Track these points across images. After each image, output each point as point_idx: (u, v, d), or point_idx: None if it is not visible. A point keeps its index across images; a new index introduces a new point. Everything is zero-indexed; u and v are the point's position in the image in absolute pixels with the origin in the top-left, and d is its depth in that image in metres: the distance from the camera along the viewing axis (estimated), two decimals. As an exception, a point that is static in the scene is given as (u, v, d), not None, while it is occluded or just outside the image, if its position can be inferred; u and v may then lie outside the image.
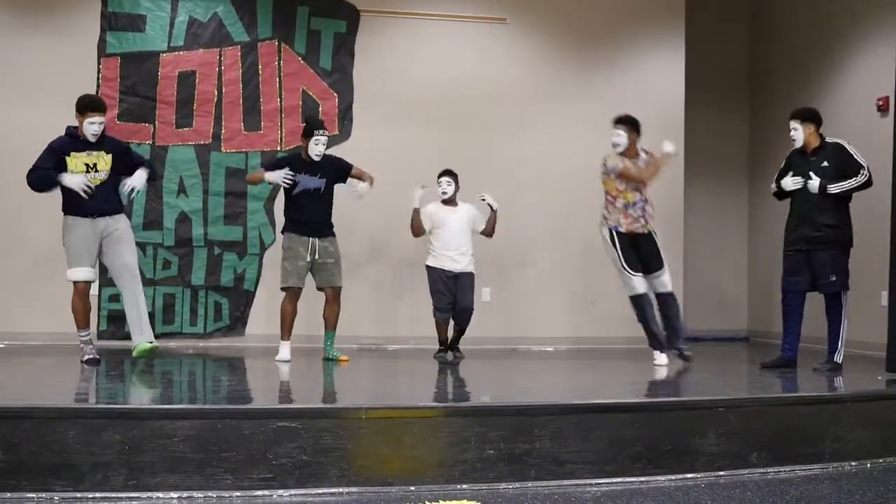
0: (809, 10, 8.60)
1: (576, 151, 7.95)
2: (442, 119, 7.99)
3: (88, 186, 5.55)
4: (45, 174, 5.57)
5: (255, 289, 7.69)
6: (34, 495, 3.45)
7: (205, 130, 7.61)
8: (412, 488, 3.70)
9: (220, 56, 7.68)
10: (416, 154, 7.75)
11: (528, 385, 5.53)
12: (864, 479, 4.08)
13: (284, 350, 6.21)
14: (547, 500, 3.59)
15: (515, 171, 8.05)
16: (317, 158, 6.23)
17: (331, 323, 6.38)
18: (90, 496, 3.47)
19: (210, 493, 3.55)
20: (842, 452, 4.34)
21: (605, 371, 6.39)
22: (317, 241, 6.23)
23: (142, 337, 5.66)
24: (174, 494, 3.53)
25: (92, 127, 5.60)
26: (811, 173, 5.78)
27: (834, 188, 5.72)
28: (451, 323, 6.73)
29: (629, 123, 6.09)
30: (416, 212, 6.60)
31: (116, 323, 7.13)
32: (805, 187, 5.80)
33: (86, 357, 5.75)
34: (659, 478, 3.98)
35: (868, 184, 5.74)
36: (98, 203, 5.62)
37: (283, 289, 6.26)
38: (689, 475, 4.03)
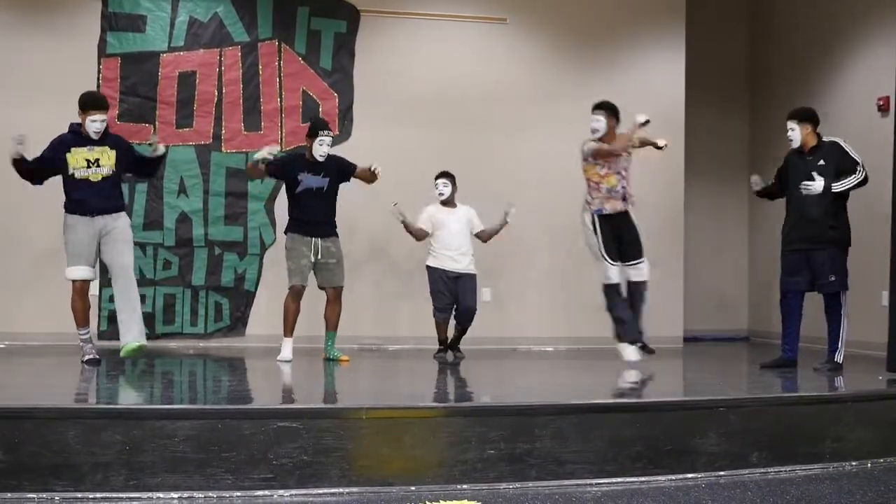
0: (809, 10, 8.60)
1: (576, 151, 7.91)
2: (442, 119, 7.99)
3: (19, 143, 5.53)
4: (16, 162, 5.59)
5: (256, 289, 7.69)
6: (35, 495, 3.45)
7: (205, 131, 7.61)
8: (413, 488, 3.70)
9: (221, 56, 7.68)
10: (417, 154, 7.75)
11: (528, 385, 5.53)
12: (864, 479, 4.08)
13: (286, 348, 6.20)
14: (547, 500, 3.59)
15: (515, 171, 8.05)
16: (321, 159, 6.23)
17: (332, 323, 6.38)
18: (90, 496, 3.47)
19: (210, 494, 3.55)
20: (842, 452, 4.34)
21: (605, 371, 6.38)
22: (319, 240, 6.23)
23: (129, 336, 5.64)
24: (174, 494, 3.53)
25: (94, 125, 5.61)
26: (814, 174, 5.76)
27: (838, 187, 5.71)
28: (452, 323, 6.74)
29: (607, 109, 6.04)
30: (405, 225, 6.62)
31: (116, 323, 7.10)
32: (808, 187, 5.78)
33: (86, 357, 5.76)
34: (659, 478, 3.98)
35: (865, 180, 5.73)
36: (98, 201, 5.63)
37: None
38: (690, 475, 4.03)
